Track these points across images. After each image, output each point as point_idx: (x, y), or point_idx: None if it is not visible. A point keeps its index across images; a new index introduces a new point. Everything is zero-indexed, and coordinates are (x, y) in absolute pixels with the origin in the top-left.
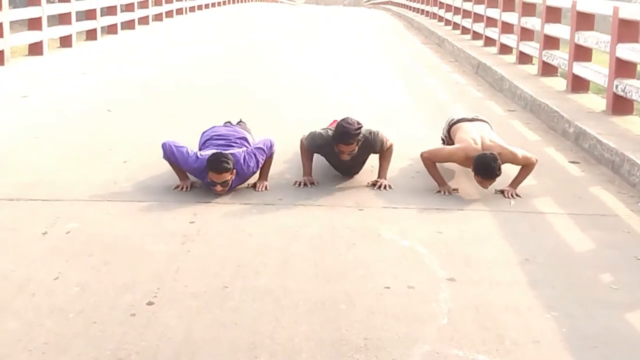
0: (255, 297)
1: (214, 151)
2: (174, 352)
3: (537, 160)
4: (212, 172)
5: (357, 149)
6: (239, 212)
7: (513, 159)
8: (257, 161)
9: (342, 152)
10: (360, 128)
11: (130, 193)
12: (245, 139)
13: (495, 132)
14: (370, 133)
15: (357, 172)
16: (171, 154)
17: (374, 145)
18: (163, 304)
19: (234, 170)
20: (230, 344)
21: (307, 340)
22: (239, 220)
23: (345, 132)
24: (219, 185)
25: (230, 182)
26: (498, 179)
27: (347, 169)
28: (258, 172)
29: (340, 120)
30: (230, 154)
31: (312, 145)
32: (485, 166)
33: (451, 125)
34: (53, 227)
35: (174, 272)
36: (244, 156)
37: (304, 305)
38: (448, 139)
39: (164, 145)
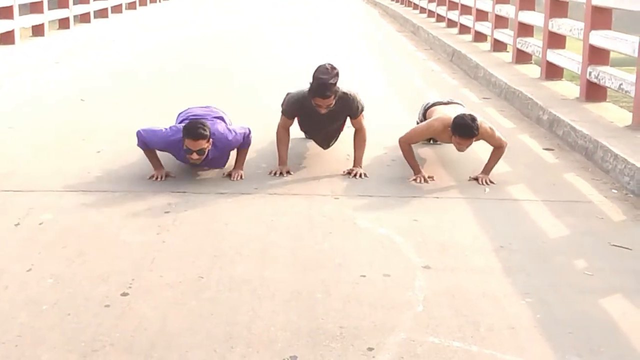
0: (232, 287)
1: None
2: (149, 342)
3: (507, 144)
4: (189, 138)
5: (334, 102)
6: (215, 202)
7: (490, 135)
8: (236, 136)
9: (319, 107)
10: (336, 77)
11: (105, 183)
12: (222, 119)
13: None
14: (348, 91)
15: (333, 139)
16: (145, 139)
17: (351, 105)
18: (138, 294)
19: (210, 139)
20: (206, 335)
21: (283, 330)
22: (215, 210)
23: (321, 83)
24: (195, 154)
25: (206, 152)
26: (472, 164)
27: (324, 134)
28: (233, 160)
29: (315, 71)
30: (210, 124)
31: (289, 105)
32: (464, 124)
33: (427, 109)
34: (26, 218)
35: (149, 262)
36: (223, 127)
37: (281, 294)
38: None
39: (137, 133)
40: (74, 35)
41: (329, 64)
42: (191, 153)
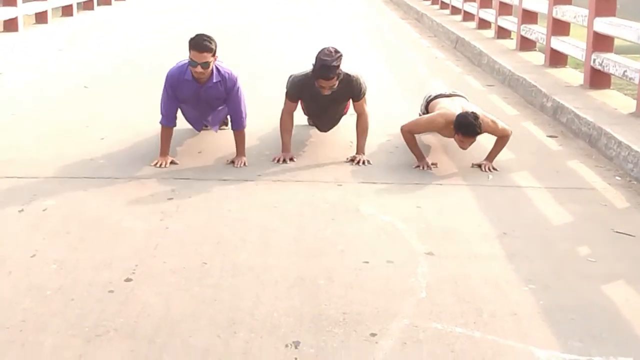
0: (235, 273)
1: None
2: (152, 328)
3: (512, 132)
4: (194, 50)
5: (337, 83)
6: (218, 188)
7: (493, 128)
8: (238, 93)
9: (323, 88)
10: (339, 59)
11: (108, 170)
12: None
13: (473, 104)
14: (350, 73)
15: (335, 122)
16: (161, 105)
17: (354, 86)
18: (141, 280)
19: (216, 55)
20: (209, 320)
21: (286, 316)
22: (218, 196)
23: (324, 65)
24: (199, 67)
25: (210, 66)
26: (475, 152)
27: (326, 116)
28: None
29: (318, 53)
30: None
31: (292, 87)
32: (467, 122)
33: (429, 101)
34: (30, 205)
35: (153, 248)
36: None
37: (284, 281)
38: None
39: (161, 118)
40: (78, 22)
41: (332, 47)
42: (196, 66)
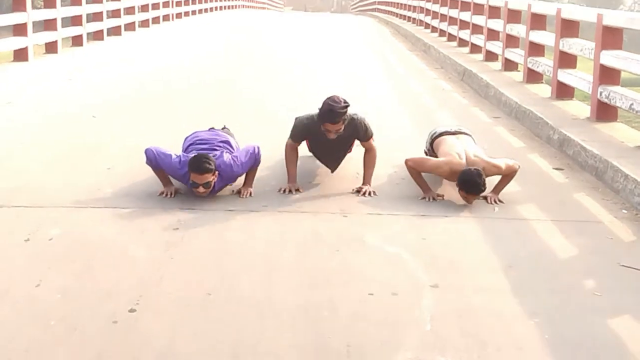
0: (239, 304)
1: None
2: (155, 359)
3: (519, 167)
4: (194, 173)
5: (343, 127)
6: (223, 219)
7: (497, 172)
8: (242, 163)
9: (328, 132)
10: (347, 106)
11: (114, 199)
12: (228, 143)
13: (478, 145)
14: (356, 115)
15: (339, 163)
16: (154, 160)
17: (359, 128)
18: (145, 311)
19: (216, 172)
20: (212, 352)
21: (290, 347)
22: (223, 227)
23: (331, 109)
24: (201, 187)
25: (212, 184)
26: None
27: (332, 156)
28: (243, 177)
29: (327, 99)
30: (214, 155)
31: (298, 129)
32: (471, 182)
33: (434, 138)
34: (36, 234)
35: (157, 279)
36: (229, 158)
37: (288, 312)
38: (431, 152)
39: (147, 151)
40: (87, 52)
41: (341, 97)
42: (197, 187)
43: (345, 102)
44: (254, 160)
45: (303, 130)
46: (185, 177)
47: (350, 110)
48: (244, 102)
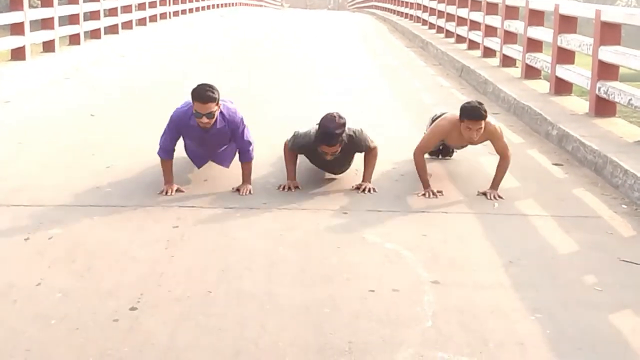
0: (240, 302)
1: None
2: (157, 358)
3: (512, 154)
4: (197, 102)
5: (340, 149)
6: (223, 217)
7: (498, 137)
8: (242, 119)
9: (325, 153)
10: (343, 127)
11: (114, 198)
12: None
13: None
14: (354, 132)
15: (343, 171)
16: (161, 140)
17: (358, 145)
18: (146, 309)
19: (219, 104)
20: (213, 350)
21: (291, 345)
22: (223, 225)
23: (327, 133)
24: (204, 117)
25: (215, 115)
26: (479, 180)
27: (333, 169)
28: (240, 170)
29: (322, 119)
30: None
31: (295, 147)
32: (471, 106)
33: (434, 119)
34: (35, 233)
35: (158, 277)
36: (232, 105)
37: (289, 309)
38: None
39: (158, 151)
40: (85, 51)
41: (336, 113)
42: (200, 117)
43: (340, 119)
44: (249, 142)
45: (300, 149)
46: (187, 114)
47: (348, 127)
48: (242, 105)
